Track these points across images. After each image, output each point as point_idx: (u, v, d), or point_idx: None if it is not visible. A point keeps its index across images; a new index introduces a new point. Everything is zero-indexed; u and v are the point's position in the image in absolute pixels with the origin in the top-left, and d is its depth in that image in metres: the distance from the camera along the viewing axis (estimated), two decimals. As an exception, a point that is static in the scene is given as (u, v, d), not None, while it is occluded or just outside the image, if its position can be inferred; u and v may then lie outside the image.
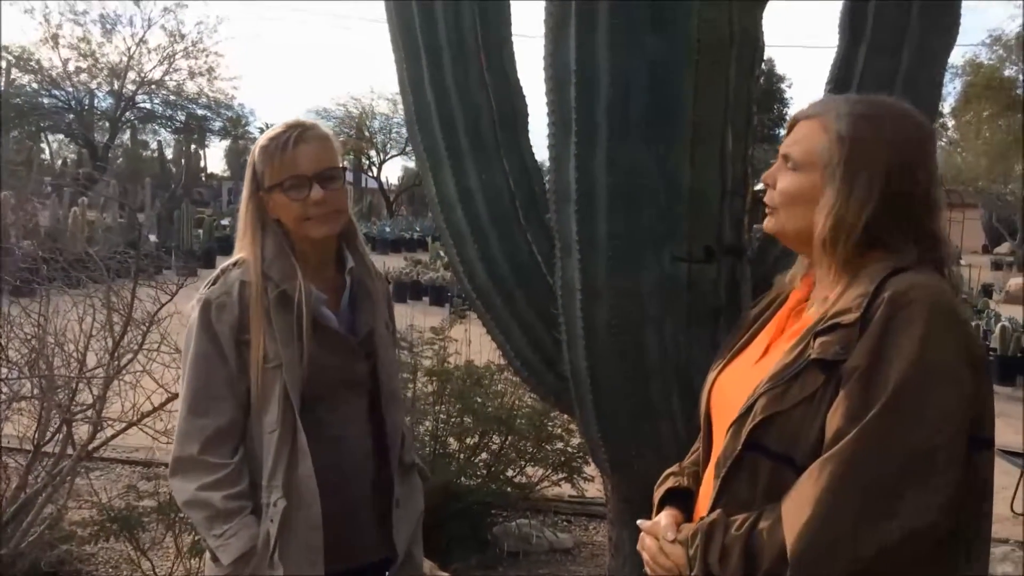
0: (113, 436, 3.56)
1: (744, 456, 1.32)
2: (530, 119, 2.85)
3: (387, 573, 2.07)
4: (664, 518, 1.46)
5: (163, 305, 3.54)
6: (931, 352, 1.20)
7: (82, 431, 3.57)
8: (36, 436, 3.52)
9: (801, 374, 1.28)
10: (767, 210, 1.46)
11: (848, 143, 1.31)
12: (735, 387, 1.42)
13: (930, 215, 1.33)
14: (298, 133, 1.90)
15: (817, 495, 1.20)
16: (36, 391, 3.53)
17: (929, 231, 1.33)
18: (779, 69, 31.06)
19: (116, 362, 3.42)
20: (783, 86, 27.11)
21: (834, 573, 1.20)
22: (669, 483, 1.57)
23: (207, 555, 1.92)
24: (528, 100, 2.83)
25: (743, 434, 1.32)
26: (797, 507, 1.22)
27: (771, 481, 1.29)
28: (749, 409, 1.33)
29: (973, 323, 9.95)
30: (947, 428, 1.20)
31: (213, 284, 1.91)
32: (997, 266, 23.53)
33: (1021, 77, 23.74)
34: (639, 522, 1.49)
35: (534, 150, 2.85)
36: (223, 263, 1.98)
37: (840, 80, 2.63)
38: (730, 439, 1.35)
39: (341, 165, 1.98)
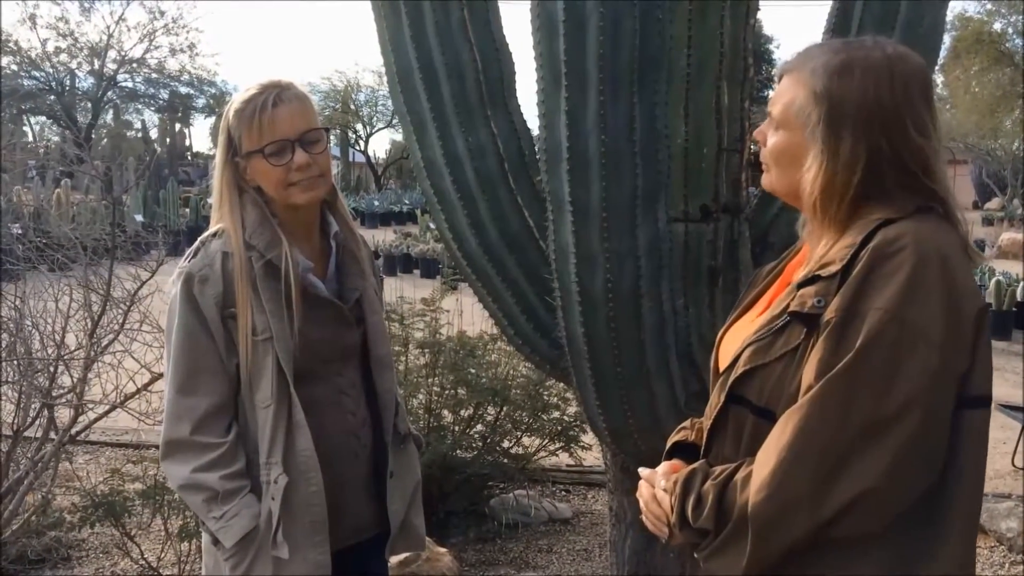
0: (97, 419, 3.48)
1: (728, 408, 1.31)
2: (516, 80, 2.75)
3: (387, 546, 2.02)
4: (662, 467, 1.44)
5: (143, 283, 3.44)
6: (908, 308, 1.14)
7: (64, 415, 3.48)
8: (16, 421, 3.43)
9: (786, 328, 1.25)
10: (763, 167, 1.41)
11: (826, 101, 1.25)
12: (736, 343, 1.38)
13: (925, 164, 1.25)
14: (276, 94, 1.79)
15: (779, 451, 1.17)
16: (15, 375, 3.44)
17: (926, 180, 1.25)
18: (767, 29, 30.86)
19: (96, 343, 3.33)
20: (771, 47, 26.85)
21: (792, 531, 1.18)
22: (677, 436, 1.55)
23: (204, 539, 1.86)
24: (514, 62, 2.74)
25: (727, 386, 1.30)
26: (762, 461, 1.20)
27: (754, 435, 1.27)
28: (735, 360, 1.31)
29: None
30: (915, 390, 1.14)
31: (193, 256, 1.81)
32: (988, 222, 23.49)
33: (1010, 31, 23.62)
34: (640, 470, 1.48)
35: (522, 111, 2.75)
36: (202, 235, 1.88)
37: (838, 30, 2.53)
38: (716, 390, 1.35)
39: (322, 126, 1.88)
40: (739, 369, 1.29)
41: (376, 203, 26.25)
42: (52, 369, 3.38)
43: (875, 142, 1.23)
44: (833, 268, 1.21)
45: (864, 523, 1.17)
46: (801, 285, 1.25)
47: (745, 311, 1.48)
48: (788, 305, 1.26)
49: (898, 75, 1.25)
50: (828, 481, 1.15)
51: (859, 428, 1.14)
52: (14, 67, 31.36)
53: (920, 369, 1.14)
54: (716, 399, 1.34)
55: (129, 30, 43.05)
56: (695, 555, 1.29)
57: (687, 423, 1.56)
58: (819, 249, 1.31)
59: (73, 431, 3.38)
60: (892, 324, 1.14)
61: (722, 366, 1.41)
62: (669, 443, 1.55)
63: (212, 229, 1.85)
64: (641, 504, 1.43)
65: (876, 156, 1.23)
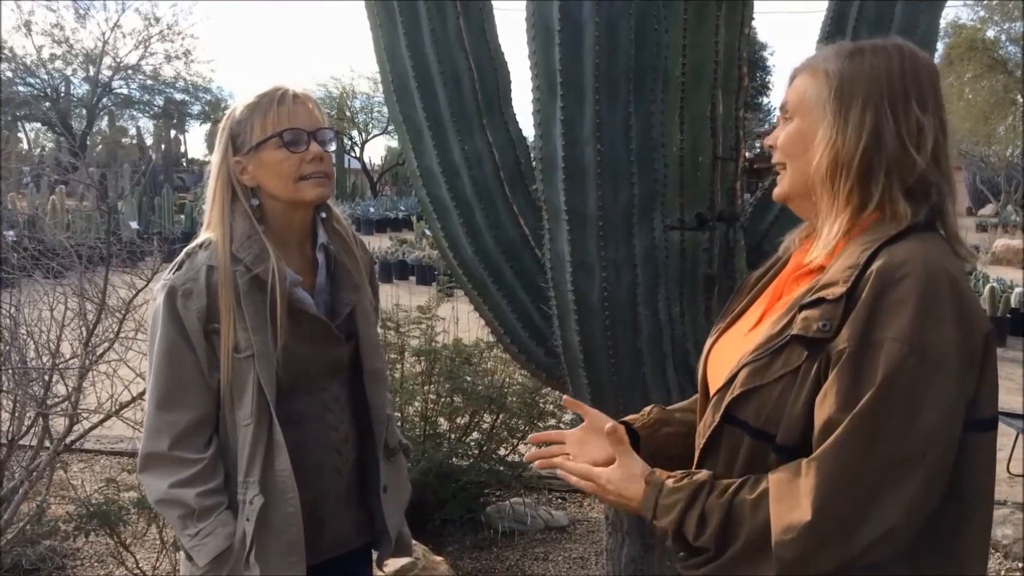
0: (91, 428, 3.47)
1: (723, 429, 1.28)
2: (512, 87, 2.76)
3: (377, 555, 2.02)
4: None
5: (138, 292, 3.43)
6: (925, 336, 1.12)
7: (59, 424, 3.47)
8: (11, 430, 3.41)
9: (784, 348, 1.23)
10: (776, 174, 1.40)
11: (836, 78, 1.27)
12: (727, 356, 1.36)
13: (921, 141, 1.25)
14: (293, 91, 1.79)
15: (808, 491, 1.14)
16: (10, 384, 3.42)
17: (920, 158, 1.24)
18: (761, 37, 30.93)
19: (91, 352, 3.32)
20: (765, 54, 26.92)
21: (817, 568, 1.16)
22: (632, 416, 1.56)
23: (182, 553, 1.83)
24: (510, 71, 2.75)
25: (722, 406, 1.28)
26: (787, 497, 1.16)
27: (750, 457, 1.25)
28: (731, 380, 1.28)
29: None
30: (936, 424, 1.13)
31: (178, 269, 1.77)
32: (982, 228, 23.53)
33: (1003, 38, 23.71)
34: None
35: (518, 119, 2.76)
36: (189, 245, 1.83)
37: (832, 36, 2.54)
38: (711, 410, 1.32)
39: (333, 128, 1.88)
40: (736, 390, 1.26)
41: (372, 209, 26.21)
42: (47, 378, 3.37)
43: (881, 112, 1.24)
44: (837, 291, 1.19)
45: (885, 554, 1.16)
46: (804, 307, 1.23)
47: (734, 321, 1.46)
48: (787, 325, 1.24)
49: (908, 57, 1.27)
50: (857, 521, 1.14)
51: (884, 467, 1.13)
52: (9, 74, 31.33)
53: (939, 400, 1.13)
54: (710, 418, 1.31)
55: (124, 36, 43.30)
56: (679, 566, 1.28)
57: (651, 409, 1.57)
58: (822, 239, 1.29)
59: (68, 440, 3.37)
60: (911, 356, 1.12)
61: (712, 381, 1.40)
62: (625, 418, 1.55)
63: (199, 239, 1.81)
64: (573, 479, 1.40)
65: (880, 127, 1.24)
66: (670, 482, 1.29)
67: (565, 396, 1.58)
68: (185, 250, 1.81)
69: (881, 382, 1.12)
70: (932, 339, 1.13)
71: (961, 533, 1.21)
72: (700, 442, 1.34)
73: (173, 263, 1.81)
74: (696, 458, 1.35)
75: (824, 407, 1.17)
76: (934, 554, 1.21)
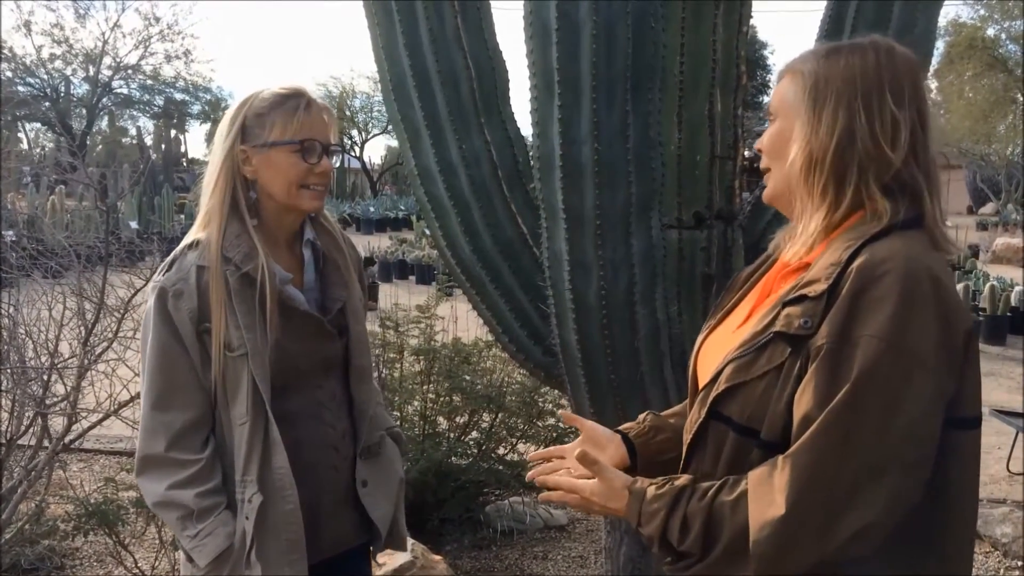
0: (90, 427, 3.47)
1: (708, 425, 1.29)
2: (511, 88, 2.76)
3: (371, 548, 2.02)
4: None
5: (137, 291, 3.44)
6: (903, 334, 1.13)
7: (58, 423, 3.47)
8: (10, 429, 3.42)
9: (768, 345, 1.23)
10: (764, 176, 1.41)
11: (811, 77, 1.29)
12: (716, 353, 1.37)
13: (894, 135, 1.25)
14: (316, 100, 1.82)
15: (782, 488, 1.15)
16: (8, 383, 3.42)
17: (891, 153, 1.24)
18: (762, 36, 30.96)
19: (90, 351, 3.32)
20: (765, 52, 26.95)
21: (795, 566, 1.16)
22: (628, 425, 1.58)
23: (181, 553, 1.83)
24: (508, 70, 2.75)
25: (708, 402, 1.29)
26: (764, 495, 1.17)
27: (734, 453, 1.26)
28: (717, 376, 1.29)
29: (960, 285, 9.99)
30: (913, 421, 1.13)
31: (168, 270, 1.77)
32: (982, 226, 23.56)
33: (1003, 37, 23.72)
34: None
35: (516, 119, 2.76)
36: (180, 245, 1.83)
37: (830, 35, 2.54)
38: (697, 406, 1.33)
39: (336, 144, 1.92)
40: (720, 386, 1.27)
41: (372, 209, 26.18)
42: (46, 377, 3.37)
43: (853, 109, 1.25)
44: (819, 288, 1.20)
45: (863, 551, 1.16)
46: (787, 303, 1.24)
47: (724, 318, 1.47)
48: (771, 322, 1.25)
49: (884, 53, 1.28)
50: (833, 518, 1.14)
51: (861, 464, 1.13)
52: (8, 73, 31.31)
53: (917, 398, 1.13)
54: (696, 414, 1.32)
55: (124, 36, 43.44)
56: (665, 569, 1.28)
57: (649, 415, 1.59)
58: (800, 236, 1.30)
59: (67, 439, 3.37)
60: (888, 353, 1.12)
61: (701, 377, 1.41)
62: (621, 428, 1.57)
63: (188, 240, 1.81)
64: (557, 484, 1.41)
65: (852, 123, 1.25)
66: (652, 489, 1.29)
67: (563, 411, 1.64)
68: (175, 251, 1.81)
69: (856, 378, 1.13)
70: (911, 336, 1.13)
71: (946, 531, 1.22)
72: (687, 438, 1.35)
73: (163, 264, 1.82)
74: (683, 454, 1.35)
75: (802, 403, 1.17)
76: (919, 552, 1.21)
